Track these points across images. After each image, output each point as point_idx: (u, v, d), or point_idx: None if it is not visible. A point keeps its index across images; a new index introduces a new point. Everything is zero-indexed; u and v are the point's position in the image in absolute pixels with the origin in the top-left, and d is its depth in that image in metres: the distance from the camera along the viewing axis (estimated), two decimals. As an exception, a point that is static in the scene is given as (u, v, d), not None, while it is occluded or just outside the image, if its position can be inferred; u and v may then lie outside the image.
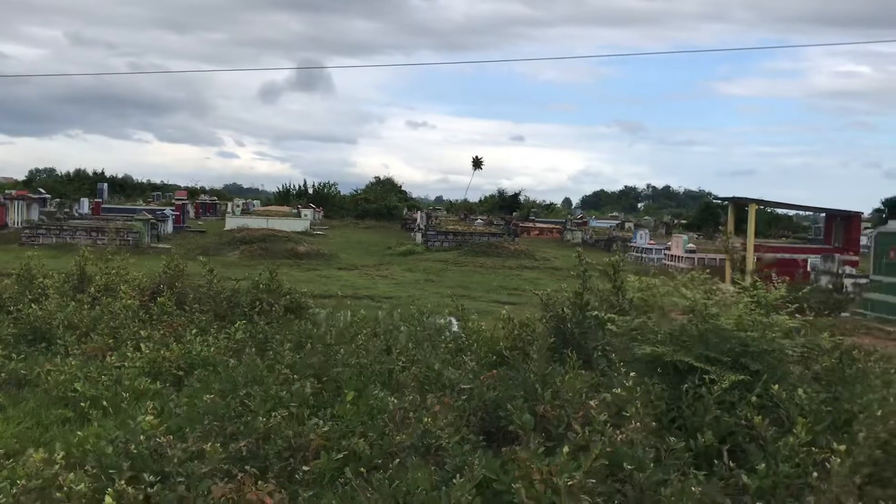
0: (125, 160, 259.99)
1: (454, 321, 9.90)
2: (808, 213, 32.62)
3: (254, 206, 61.11)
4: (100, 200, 42.33)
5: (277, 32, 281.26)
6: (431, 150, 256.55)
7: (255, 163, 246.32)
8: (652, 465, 4.37)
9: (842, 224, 23.97)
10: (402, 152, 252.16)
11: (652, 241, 30.48)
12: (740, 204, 22.91)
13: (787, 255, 22.96)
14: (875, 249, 18.52)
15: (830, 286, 21.15)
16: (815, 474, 4.28)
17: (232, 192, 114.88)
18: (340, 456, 4.75)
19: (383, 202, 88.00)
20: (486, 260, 28.08)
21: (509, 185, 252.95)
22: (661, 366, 6.15)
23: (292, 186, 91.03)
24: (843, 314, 17.55)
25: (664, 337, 6.46)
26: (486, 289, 20.78)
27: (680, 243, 28.16)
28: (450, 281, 22.35)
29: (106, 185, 52.62)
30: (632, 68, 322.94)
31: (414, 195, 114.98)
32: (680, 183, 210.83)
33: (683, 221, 62.98)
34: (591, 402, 5.10)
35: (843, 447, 4.33)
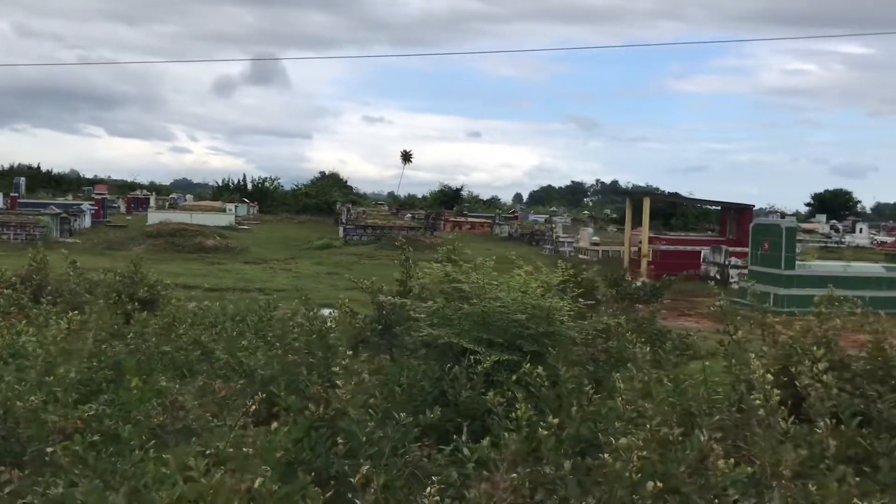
0: (75, 155, 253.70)
1: (329, 312, 10.15)
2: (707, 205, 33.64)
3: (184, 200, 60.43)
4: (16, 195, 41.59)
5: (231, 25, 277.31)
6: (388, 145, 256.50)
7: (209, 158, 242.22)
8: (375, 437, 4.63)
9: (735, 217, 24.93)
10: (358, 147, 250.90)
11: (565, 235, 31.29)
12: (638, 196, 23.64)
13: (681, 248, 23.80)
14: (752, 241, 19.37)
15: (717, 275, 22.02)
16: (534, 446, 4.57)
17: (181, 187, 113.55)
18: (95, 438, 4.92)
19: (324, 197, 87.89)
20: (400, 254, 28.37)
21: (466, 181, 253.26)
22: (441, 348, 6.52)
23: (231, 182, 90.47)
24: (718, 302, 18.30)
25: (443, 320, 6.83)
26: (387, 281, 21.08)
27: (586, 236, 29.01)
28: (356, 274, 22.61)
29: (23, 179, 51.45)
30: (587, 65, 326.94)
31: (368, 191, 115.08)
32: (633, 179, 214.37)
33: (614, 216, 64.25)
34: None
35: (556, 420, 4.64)
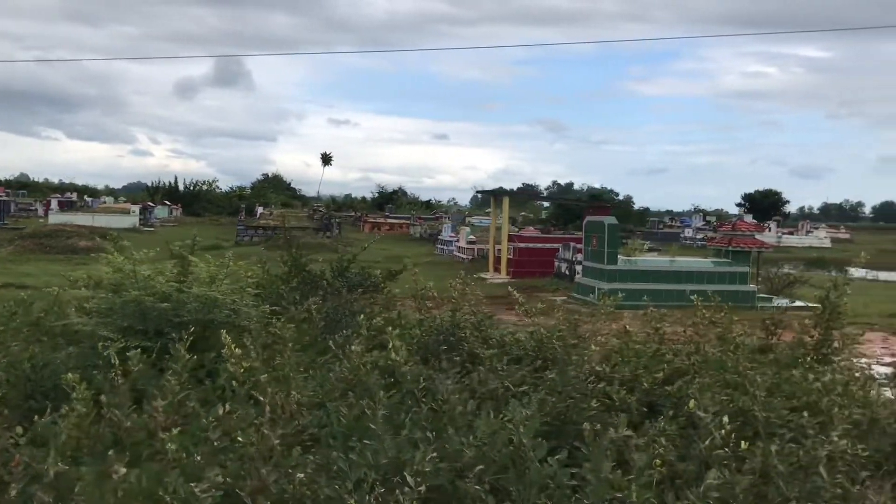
0: (33, 158, 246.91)
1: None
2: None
3: (101, 202, 59.84)
4: None
5: (194, 26, 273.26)
6: (353, 148, 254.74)
7: (170, 161, 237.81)
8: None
9: (595, 215, 25.69)
10: (323, 150, 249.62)
11: (452, 235, 31.90)
12: (502, 195, 24.20)
13: (539, 246, 24.48)
14: (584, 238, 20.06)
15: (567, 272, 22.72)
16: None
17: (134, 190, 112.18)
18: None
19: (260, 199, 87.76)
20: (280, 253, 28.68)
21: (431, 183, 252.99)
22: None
23: (164, 184, 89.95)
24: (555, 296, 18.97)
25: (105, 312, 7.23)
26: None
27: (463, 235, 29.67)
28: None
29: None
30: (554, 68, 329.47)
31: (336, 193, 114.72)
32: (595, 181, 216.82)
33: (542, 216, 65.23)
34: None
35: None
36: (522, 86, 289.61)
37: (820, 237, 60.07)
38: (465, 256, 28.97)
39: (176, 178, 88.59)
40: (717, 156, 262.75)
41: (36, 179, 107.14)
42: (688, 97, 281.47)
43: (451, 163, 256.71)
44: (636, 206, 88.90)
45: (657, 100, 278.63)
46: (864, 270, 39.01)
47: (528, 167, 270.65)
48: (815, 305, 20.39)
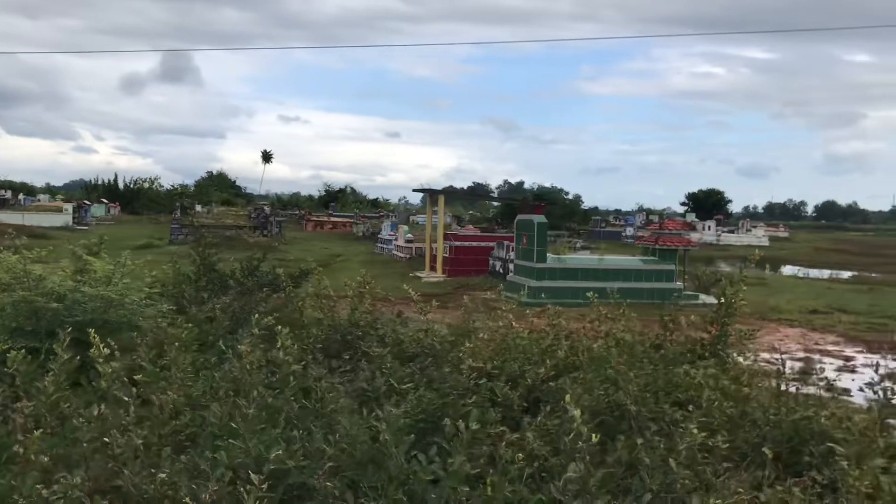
0: None
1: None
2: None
3: (33, 201, 58.33)
4: None
5: (139, 20, 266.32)
6: (304, 145, 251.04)
7: (115, 158, 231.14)
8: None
9: (529, 213, 25.91)
10: (273, 148, 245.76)
11: (392, 234, 31.84)
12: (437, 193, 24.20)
13: (475, 244, 24.60)
14: (516, 236, 20.21)
15: (501, 269, 22.85)
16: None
17: (75, 188, 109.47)
18: None
19: (203, 197, 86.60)
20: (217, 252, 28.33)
21: (383, 181, 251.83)
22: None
23: (103, 181, 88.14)
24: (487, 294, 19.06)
25: None
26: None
27: (402, 234, 29.67)
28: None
29: None
30: (505, 67, 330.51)
31: (286, 191, 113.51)
32: (546, 180, 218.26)
33: (488, 215, 65.50)
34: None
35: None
36: (474, 84, 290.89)
37: (758, 236, 61.49)
38: (402, 255, 28.94)
39: (116, 176, 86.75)
40: (666, 155, 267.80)
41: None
42: (637, 97, 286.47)
43: (404, 161, 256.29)
44: (585, 205, 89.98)
45: (607, 99, 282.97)
46: (795, 268, 40.14)
47: (480, 166, 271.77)
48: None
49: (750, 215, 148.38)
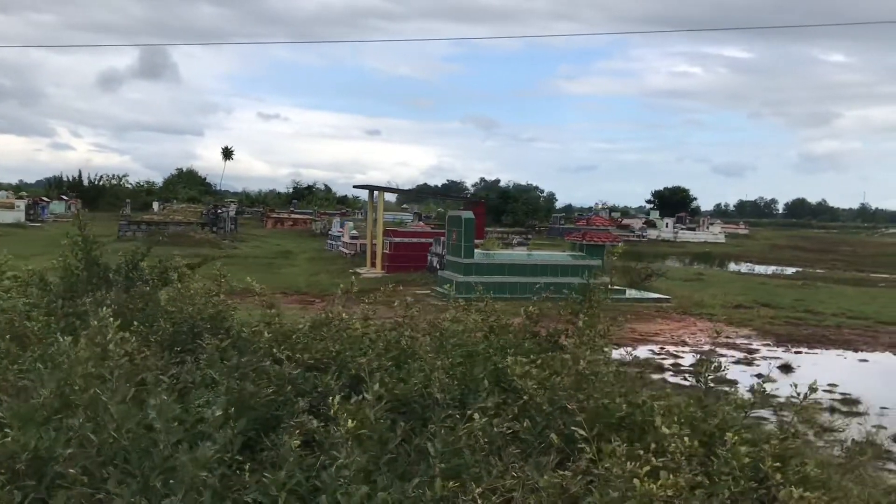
0: None
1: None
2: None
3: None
4: None
5: (115, 16, 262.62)
6: (282, 143, 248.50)
7: (93, 155, 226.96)
8: None
9: (471, 210, 26.17)
10: (251, 145, 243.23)
11: (340, 230, 32.01)
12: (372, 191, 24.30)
13: (415, 240, 24.81)
14: (447, 232, 20.44)
15: (438, 265, 23.07)
16: None
17: (46, 186, 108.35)
18: None
19: (170, 194, 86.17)
20: (161, 249, 28.32)
21: (363, 179, 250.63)
22: None
23: (67, 178, 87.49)
24: (417, 291, 19.27)
25: None
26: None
27: (347, 230, 29.89)
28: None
29: None
30: (484, 66, 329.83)
31: (264, 189, 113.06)
32: (526, 178, 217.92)
33: (439, 210, 65.78)
34: None
35: None
36: (454, 83, 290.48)
37: (714, 233, 62.31)
38: (348, 251, 29.09)
39: (80, 173, 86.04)
40: (644, 153, 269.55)
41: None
42: (616, 96, 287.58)
43: (383, 159, 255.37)
44: (560, 203, 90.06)
45: (586, 98, 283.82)
46: (746, 264, 40.75)
47: (459, 164, 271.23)
48: (663, 296, 21.00)
49: (721, 213, 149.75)
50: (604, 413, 5.34)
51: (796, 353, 14.38)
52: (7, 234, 33.32)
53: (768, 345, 15.04)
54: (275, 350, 5.75)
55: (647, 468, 3.30)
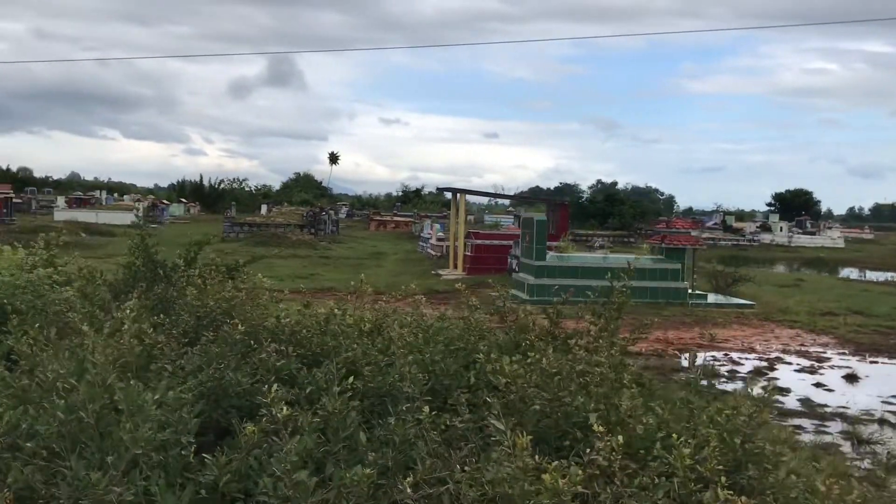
0: (90, 158, 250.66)
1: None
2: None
3: (113, 200, 61.60)
4: None
5: (244, 26, 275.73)
6: (401, 147, 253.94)
7: (223, 160, 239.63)
8: None
9: (555, 212, 26.04)
10: (372, 150, 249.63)
11: (430, 232, 32.49)
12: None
13: (495, 242, 24.90)
14: (521, 235, 20.45)
15: (516, 268, 23.10)
16: None
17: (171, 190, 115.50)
18: None
19: (286, 197, 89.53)
20: (260, 249, 29.57)
21: (480, 182, 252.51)
22: None
23: (188, 183, 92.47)
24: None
25: None
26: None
27: (434, 232, 30.26)
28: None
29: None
30: (604, 66, 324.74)
31: (382, 192, 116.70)
32: (646, 180, 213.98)
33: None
34: None
35: None
36: (572, 84, 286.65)
37: (833, 237, 59.23)
38: (434, 253, 29.50)
39: (201, 177, 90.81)
40: (772, 154, 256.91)
41: (86, 178, 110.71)
42: (743, 94, 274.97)
43: (501, 162, 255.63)
44: (681, 206, 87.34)
45: (711, 97, 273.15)
46: (858, 271, 38.60)
47: (577, 165, 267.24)
48: (747, 302, 20.40)
49: (855, 217, 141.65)
50: (573, 413, 5.39)
51: (871, 362, 13.63)
52: (124, 234, 35.54)
53: (844, 354, 14.32)
54: (273, 342, 6.09)
55: (572, 465, 3.39)
